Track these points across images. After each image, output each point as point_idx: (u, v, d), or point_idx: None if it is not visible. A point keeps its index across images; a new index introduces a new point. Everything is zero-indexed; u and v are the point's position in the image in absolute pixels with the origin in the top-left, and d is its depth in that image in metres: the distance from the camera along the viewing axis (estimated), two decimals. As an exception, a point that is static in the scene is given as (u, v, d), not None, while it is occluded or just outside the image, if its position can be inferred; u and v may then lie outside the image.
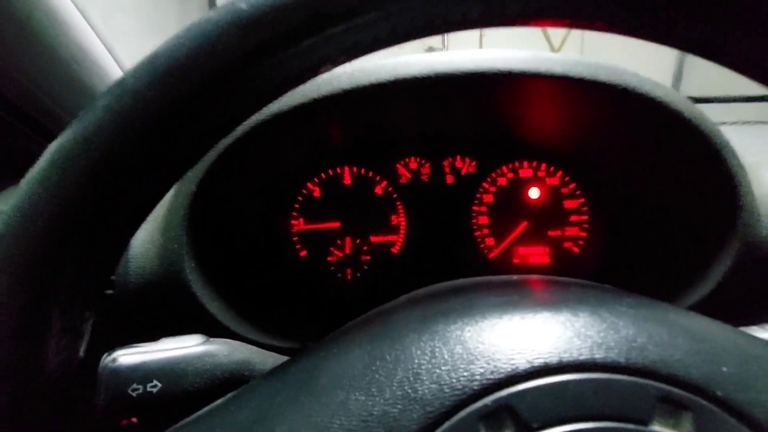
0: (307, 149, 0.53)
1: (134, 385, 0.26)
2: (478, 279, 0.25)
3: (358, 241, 0.56)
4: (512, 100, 0.45)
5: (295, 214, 0.56)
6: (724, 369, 0.16)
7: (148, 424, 0.26)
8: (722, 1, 0.17)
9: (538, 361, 0.16)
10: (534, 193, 0.56)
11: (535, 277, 0.25)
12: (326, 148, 0.54)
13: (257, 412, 0.19)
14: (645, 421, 0.15)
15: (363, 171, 0.56)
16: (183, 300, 0.37)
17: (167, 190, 0.20)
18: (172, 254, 0.37)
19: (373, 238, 0.57)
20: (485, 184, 0.56)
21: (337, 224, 0.56)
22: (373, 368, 0.18)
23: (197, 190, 0.38)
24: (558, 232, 0.56)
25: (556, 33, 2.32)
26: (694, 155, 0.40)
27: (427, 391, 0.16)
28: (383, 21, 0.19)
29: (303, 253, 0.56)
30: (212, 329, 0.38)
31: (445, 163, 0.56)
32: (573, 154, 0.54)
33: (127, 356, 0.27)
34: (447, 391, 0.16)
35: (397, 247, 0.57)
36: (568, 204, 0.56)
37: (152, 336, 0.29)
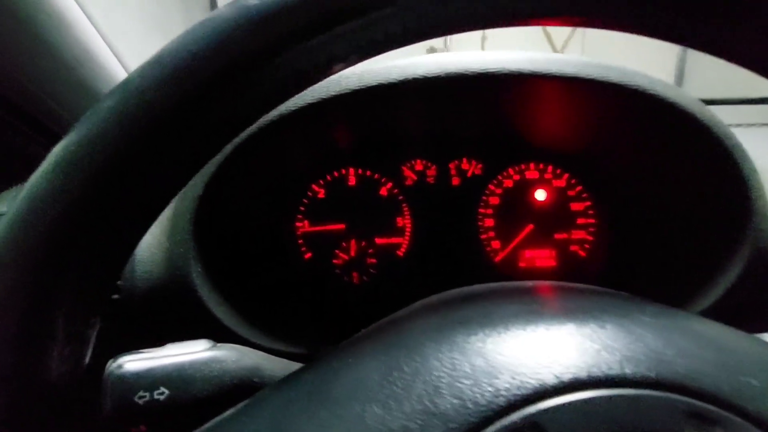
0: (313, 150, 0.52)
1: (141, 393, 0.25)
2: (492, 285, 0.25)
3: (363, 243, 0.56)
4: (520, 102, 0.45)
5: (300, 216, 0.55)
6: (754, 382, 0.16)
7: (156, 432, 0.26)
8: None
9: (566, 376, 0.15)
10: (540, 195, 0.56)
11: (550, 283, 0.25)
12: (332, 149, 0.54)
13: (271, 423, 0.19)
14: None
15: (368, 173, 0.56)
16: (189, 304, 0.37)
17: (175, 193, 0.20)
18: (179, 258, 0.37)
19: (379, 240, 0.56)
20: (491, 187, 0.56)
21: (342, 226, 0.56)
22: (391, 380, 0.17)
23: (203, 194, 0.37)
24: (564, 236, 0.56)
25: (558, 34, 2.32)
26: (705, 158, 0.40)
27: (449, 406, 0.15)
28: (395, 18, 0.18)
29: (308, 256, 0.56)
30: (218, 334, 0.37)
31: (451, 166, 0.56)
32: (580, 156, 0.54)
33: (133, 362, 0.26)
34: (470, 407, 0.15)
35: (403, 250, 0.56)
36: (575, 207, 0.55)
37: (158, 341, 0.29)
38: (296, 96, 0.20)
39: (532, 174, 0.56)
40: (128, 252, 0.20)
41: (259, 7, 0.16)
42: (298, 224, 0.55)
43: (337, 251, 0.56)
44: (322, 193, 0.55)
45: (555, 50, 2.07)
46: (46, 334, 0.18)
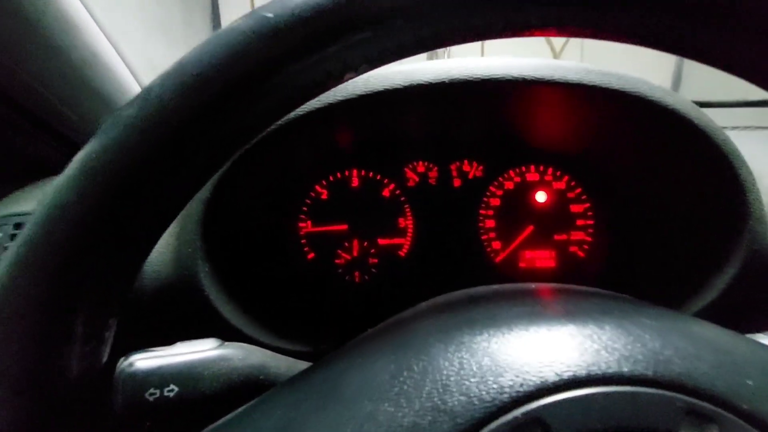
0: (317, 152, 0.53)
1: (151, 390, 0.26)
2: (496, 287, 0.26)
3: (365, 243, 0.57)
4: (523, 106, 0.46)
5: (303, 216, 0.56)
6: (749, 382, 0.16)
7: (165, 429, 0.27)
8: (723, 8, 0.17)
9: (567, 374, 0.16)
10: (541, 197, 0.56)
11: (552, 286, 0.25)
12: (335, 151, 0.54)
13: (283, 420, 0.19)
14: None
15: (371, 174, 0.56)
16: (197, 303, 0.38)
17: (191, 197, 0.21)
18: (187, 258, 0.38)
19: (381, 241, 0.57)
20: (492, 188, 0.57)
21: (344, 227, 0.56)
22: (401, 379, 0.18)
23: (211, 196, 0.38)
24: (564, 237, 0.56)
25: (557, 39, 2.32)
26: (702, 162, 0.41)
27: (456, 402, 0.16)
28: (407, 30, 0.19)
29: (311, 256, 0.56)
30: (226, 333, 0.38)
31: (453, 167, 0.57)
32: (580, 159, 0.54)
33: (144, 360, 0.27)
34: (477, 403, 0.16)
35: (405, 250, 0.57)
36: (575, 208, 0.56)
37: (167, 339, 0.29)
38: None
39: (532, 176, 0.56)
40: (146, 254, 0.20)
41: (277, 19, 0.17)
42: (302, 224, 0.56)
43: (339, 251, 0.57)
44: (325, 194, 0.56)
45: (555, 52, 2.07)
46: (68, 333, 0.19)
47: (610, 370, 0.16)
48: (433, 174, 0.57)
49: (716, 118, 0.40)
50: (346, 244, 0.57)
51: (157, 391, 0.26)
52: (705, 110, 0.40)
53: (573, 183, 0.56)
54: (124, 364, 0.26)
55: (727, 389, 0.16)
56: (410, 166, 0.56)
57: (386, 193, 0.57)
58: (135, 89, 0.51)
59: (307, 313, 0.52)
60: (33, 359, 0.18)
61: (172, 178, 0.18)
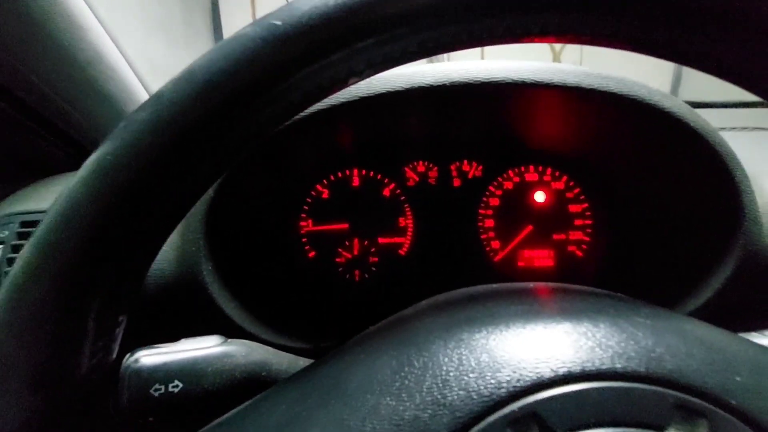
0: (319, 153, 0.53)
1: (156, 386, 0.26)
2: (495, 286, 0.26)
3: (366, 242, 0.57)
4: (522, 109, 0.46)
5: (303, 215, 0.56)
6: (738, 378, 0.17)
7: (170, 424, 0.27)
8: (717, 13, 0.18)
9: (562, 370, 0.17)
10: (539, 197, 0.57)
11: (549, 285, 0.26)
12: (336, 151, 0.55)
13: (288, 416, 0.20)
14: (662, 427, 0.16)
15: (371, 173, 0.57)
16: (200, 301, 0.38)
17: (200, 197, 0.21)
18: (191, 257, 0.38)
19: (381, 240, 0.57)
20: (491, 188, 0.57)
21: (345, 226, 0.57)
22: (402, 374, 0.18)
23: (214, 195, 0.39)
24: (562, 236, 0.57)
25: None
26: (698, 164, 0.41)
27: (456, 397, 0.17)
28: (411, 36, 0.19)
29: (311, 254, 0.57)
30: (229, 330, 0.39)
31: (453, 167, 0.57)
32: (579, 160, 0.55)
33: (149, 357, 0.27)
34: (475, 397, 0.17)
35: (405, 249, 0.58)
36: (573, 208, 0.57)
37: (170, 337, 0.30)
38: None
39: (531, 176, 0.57)
40: (155, 254, 0.21)
41: (285, 26, 0.18)
42: (303, 223, 0.56)
43: (340, 250, 0.57)
44: (326, 194, 0.57)
45: (555, 53, 2.08)
46: (80, 331, 0.19)
47: (604, 367, 0.17)
48: (433, 174, 0.57)
49: (714, 119, 0.41)
50: (347, 243, 0.57)
51: (162, 387, 0.27)
52: (702, 111, 0.40)
53: (572, 183, 0.56)
54: (129, 360, 0.27)
55: (717, 385, 0.17)
56: (410, 166, 0.57)
57: (387, 192, 0.57)
58: (138, 89, 0.51)
59: (309, 311, 0.52)
60: (46, 357, 0.19)
61: (182, 179, 0.19)
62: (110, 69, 0.46)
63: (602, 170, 0.54)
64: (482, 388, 0.17)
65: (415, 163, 0.57)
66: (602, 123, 0.46)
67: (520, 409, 0.16)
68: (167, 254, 0.39)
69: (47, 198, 0.43)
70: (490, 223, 0.57)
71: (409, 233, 0.58)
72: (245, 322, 0.40)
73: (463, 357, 0.18)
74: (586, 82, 0.38)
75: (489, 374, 0.17)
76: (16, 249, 0.41)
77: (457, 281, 0.30)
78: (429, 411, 0.17)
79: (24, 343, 0.18)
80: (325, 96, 0.21)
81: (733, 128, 0.90)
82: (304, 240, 0.57)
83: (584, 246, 0.57)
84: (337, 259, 0.57)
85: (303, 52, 0.18)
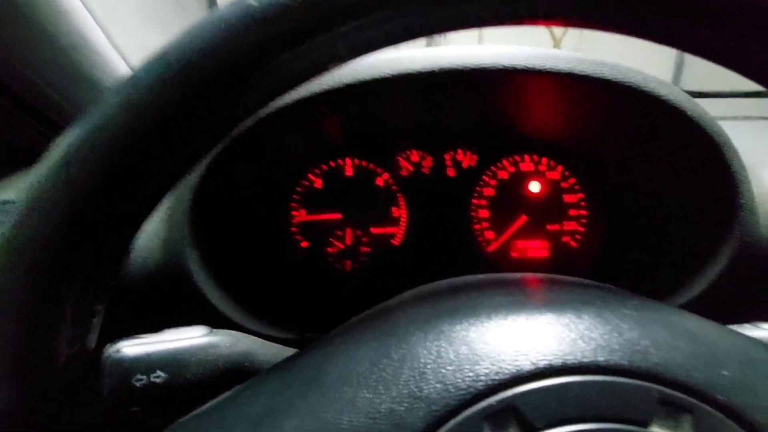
0: (309, 141, 0.52)
1: (138, 376, 0.26)
2: (480, 277, 0.26)
3: (358, 232, 0.57)
4: (515, 96, 0.45)
5: (295, 205, 0.56)
6: (725, 373, 0.16)
7: (153, 415, 0.27)
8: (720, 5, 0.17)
9: (542, 363, 0.16)
10: (534, 187, 0.56)
11: (538, 276, 0.25)
12: (327, 140, 0.54)
13: (267, 406, 0.19)
14: (645, 423, 0.15)
15: (364, 163, 0.56)
16: (185, 291, 0.38)
17: (176, 183, 0.20)
18: (175, 245, 0.37)
19: (374, 230, 0.57)
20: (485, 178, 0.56)
21: (338, 215, 0.56)
22: (380, 366, 0.18)
23: (200, 182, 0.38)
24: (557, 227, 0.56)
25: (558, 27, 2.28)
26: (695, 153, 0.40)
27: (432, 390, 0.16)
28: (395, 19, 0.19)
29: (303, 244, 0.56)
30: (214, 320, 0.38)
31: (446, 156, 0.56)
32: (574, 149, 0.54)
33: (131, 347, 0.27)
34: (452, 390, 0.16)
35: (398, 239, 0.57)
36: (568, 198, 0.56)
37: (155, 327, 0.30)
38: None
39: (526, 166, 0.56)
40: (131, 238, 0.20)
41: (262, 7, 0.17)
42: (294, 213, 0.56)
43: (332, 240, 0.57)
44: (318, 183, 0.56)
45: (555, 40, 2.05)
46: (56, 319, 0.19)
47: (586, 360, 0.16)
48: (427, 163, 0.56)
49: (713, 108, 0.40)
50: (339, 232, 0.56)
51: (144, 377, 0.26)
52: (702, 101, 0.39)
53: (567, 173, 0.56)
54: (110, 350, 0.27)
55: (703, 380, 0.16)
56: (403, 155, 0.56)
57: (380, 182, 0.56)
58: (125, 74, 0.50)
59: (297, 301, 0.52)
60: (21, 346, 0.18)
61: (155, 163, 0.18)
62: (96, 54, 0.45)
63: (598, 160, 0.53)
64: (459, 381, 0.16)
65: (409, 153, 0.56)
66: (596, 110, 0.45)
67: (498, 402, 0.16)
68: (152, 242, 0.38)
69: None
70: (483, 213, 0.57)
71: (402, 223, 0.57)
72: (231, 312, 0.39)
73: (442, 349, 0.18)
74: (579, 68, 0.37)
75: (467, 367, 0.17)
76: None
77: (450, 272, 0.30)
78: (405, 404, 0.16)
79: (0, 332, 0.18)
80: (307, 80, 0.20)
81: (735, 117, 0.88)
82: (294, 230, 0.56)
83: (579, 236, 0.56)
84: (329, 249, 0.57)
85: (279, 35, 0.18)
